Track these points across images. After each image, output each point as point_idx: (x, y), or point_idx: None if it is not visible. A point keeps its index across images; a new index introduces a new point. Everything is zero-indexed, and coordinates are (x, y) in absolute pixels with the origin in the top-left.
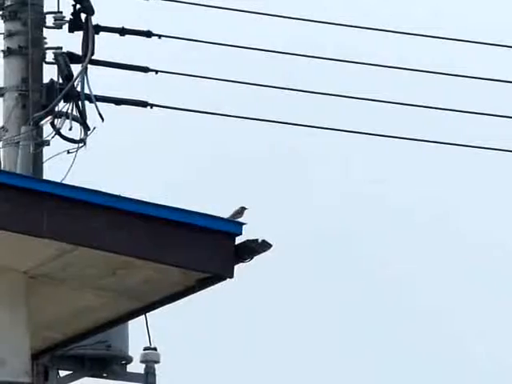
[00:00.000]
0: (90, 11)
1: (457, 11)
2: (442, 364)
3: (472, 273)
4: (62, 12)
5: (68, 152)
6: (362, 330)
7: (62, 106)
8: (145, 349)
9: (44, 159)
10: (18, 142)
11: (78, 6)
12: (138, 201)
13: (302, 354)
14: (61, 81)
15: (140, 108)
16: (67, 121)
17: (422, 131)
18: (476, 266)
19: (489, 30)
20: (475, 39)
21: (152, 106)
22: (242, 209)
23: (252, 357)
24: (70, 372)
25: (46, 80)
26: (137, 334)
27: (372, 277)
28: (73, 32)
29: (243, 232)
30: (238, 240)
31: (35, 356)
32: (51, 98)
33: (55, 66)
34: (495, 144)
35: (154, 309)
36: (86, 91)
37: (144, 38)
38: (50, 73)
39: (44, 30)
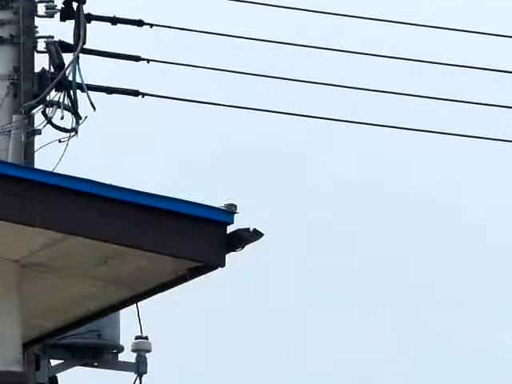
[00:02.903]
0: (81, 0)
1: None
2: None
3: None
4: (53, 1)
5: (59, 141)
6: (357, 319)
7: (54, 95)
8: (136, 338)
9: (35, 148)
10: (10, 131)
11: None
12: (129, 190)
13: (294, 342)
14: (52, 70)
15: (132, 97)
16: (59, 110)
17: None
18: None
19: None
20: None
21: (144, 95)
22: (232, 206)
23: (243, 346)
24: (62, 361)
25: (37, 69)
26: (128, 323)
27: (366, 267)
28: (64, 21)
29: (235, 221)
30: (230, 229)
31: (26, 345)
32: (43, 86)
33: (47, 55)
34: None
35: (145, 298)
36: (78, 80)
37: (136, 27)
38: (41, 62)
39: (35, 18)
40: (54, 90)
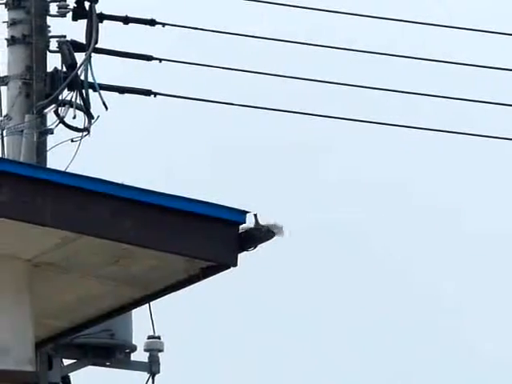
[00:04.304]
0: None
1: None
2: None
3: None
4: (65, 0)
5: (72, 140)
6: (367, 319)
7: (66, 95)
8: (149, 337)
9: (48, 148)
10: (22, 131)
11: None
12: (141, 189)
13: (304, 342)
14: (65, 69)
15: (144, 96)
16: (71, 109)
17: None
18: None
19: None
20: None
21: (156, 94)
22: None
23: (256, 345)
24: (74, 361)
25: (49, 68)
26: (141, 323)
27: (377, 268)
28: (77, 20)
29: (247, 221)
30: (242, 228)
31: (39, 345)
32: (55, 86)
33: (59, 55)
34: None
35: (157, 297)
36: (90, 80)
37: (148, 26)
38: (53, 61)
39: (48, 18)
40: (66, 90)
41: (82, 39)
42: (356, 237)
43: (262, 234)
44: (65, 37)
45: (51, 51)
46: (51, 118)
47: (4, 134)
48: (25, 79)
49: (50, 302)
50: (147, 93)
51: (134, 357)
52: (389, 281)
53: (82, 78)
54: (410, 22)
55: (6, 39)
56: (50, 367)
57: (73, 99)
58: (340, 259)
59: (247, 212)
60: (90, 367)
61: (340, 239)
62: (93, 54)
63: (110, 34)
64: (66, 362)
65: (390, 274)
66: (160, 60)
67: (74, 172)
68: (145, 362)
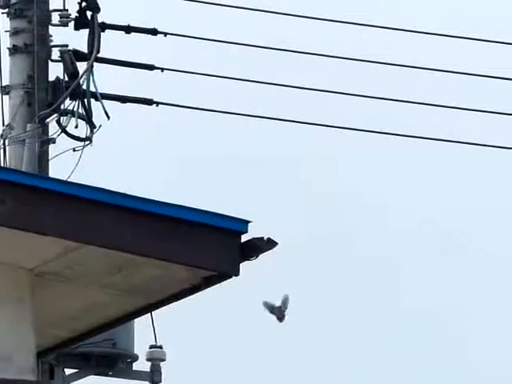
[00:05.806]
0: (95, 9)
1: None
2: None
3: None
4: (67, 10)
5: (74, 150)
6: (364, 326)
7: (68, 104)
8: (151, 347)
9: (50, 157)
10: (24, 140)
11: (84, 4)
12: (143, 198)
13: (306, 352)
14: (67, 78)
15: (145, 106)
16: (73, 119)
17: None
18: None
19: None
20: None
21: (157, 103)
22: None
23: (258, 355)
24: (76, 370)
25: (51, 78)
26: (142, 332)
27: (371, 277)
28: (79, 30)
29: (249, 230)
30: (244, 238)
31: (41, 354)
32: (57, 95)
33: (61, 64)
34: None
35: (159, 307)
36: (92, 89)
37: (150, 35)
38: (55, 71)
39: (50, 27)
40: (68, 99)
41: (84, 48)
42: (356, 247)
43: (264, 243)
44: (67, 46)
45: (53, 60)
46: (53, 128)
47: (6, 143)
48: (27, 88)
49: (52, 311)
50: (149, 102)
51: (135, 366)
52: (381, 291)
53: (84, 87)
54: (344, 23)
55: (8, 48)
56: (52, 376)
57: (75, 108)
58: (338, 267)
59: (249, 221)
60: (91, 376)
61: (338, 248)
62: (95, 64)
63: (111, 44)
64: (68, 371)
65: (381, 283)
66: (162, 69)
67: (76, 181)
68: (147, 372)
